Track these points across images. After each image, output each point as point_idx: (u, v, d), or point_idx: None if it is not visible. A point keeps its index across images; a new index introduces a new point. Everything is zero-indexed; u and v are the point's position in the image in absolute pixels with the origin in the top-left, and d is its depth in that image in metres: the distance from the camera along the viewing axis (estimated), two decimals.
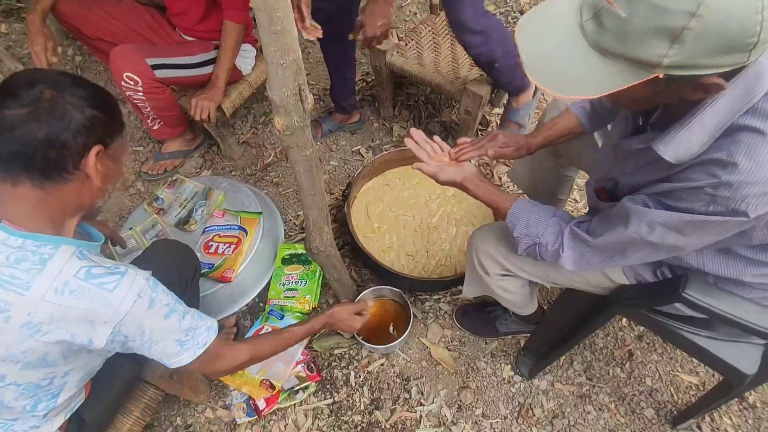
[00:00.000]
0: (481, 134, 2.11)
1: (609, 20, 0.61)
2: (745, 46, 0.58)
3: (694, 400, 1.40)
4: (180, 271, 1.19)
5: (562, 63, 0.67)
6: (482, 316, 1.53)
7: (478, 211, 1.69)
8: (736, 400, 1.43)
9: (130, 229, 1.64)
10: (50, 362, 0.81)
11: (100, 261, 0.82)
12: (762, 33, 0.57)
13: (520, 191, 1.83)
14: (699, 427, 1.38)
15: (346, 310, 1.28)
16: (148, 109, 1.72)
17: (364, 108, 2.20)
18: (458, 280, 1.53)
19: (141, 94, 1.64)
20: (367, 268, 1.70)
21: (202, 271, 1.49)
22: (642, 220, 0.79)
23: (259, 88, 2.01)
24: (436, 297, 1.65)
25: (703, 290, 0.84)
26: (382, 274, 1.61)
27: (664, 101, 0.73)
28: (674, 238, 0.79)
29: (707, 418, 1.40)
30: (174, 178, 1.80)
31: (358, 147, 2.07)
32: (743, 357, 1.03)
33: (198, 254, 1.54)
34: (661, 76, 0.62)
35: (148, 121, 1.81)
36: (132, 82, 1.60)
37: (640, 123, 0.85)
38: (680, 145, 0.71)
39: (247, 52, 1.87)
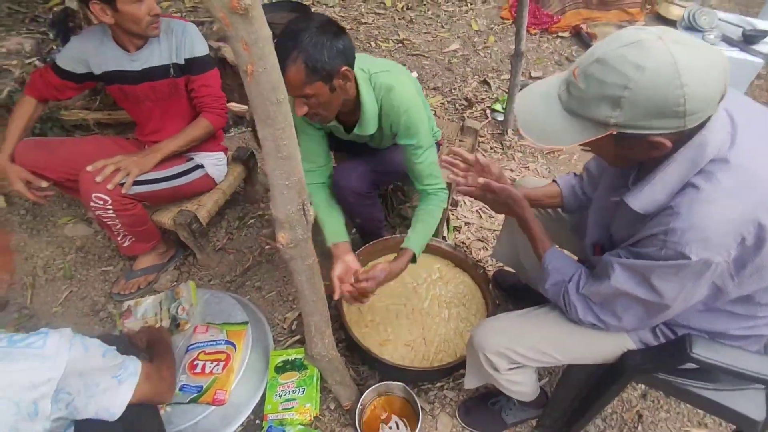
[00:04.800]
0: (453, 215, 2.23)
1: (574, 90, 0.82)
2: (677, 113, 0.74)
3: None
4: None
5: (544, 121, 0.87)
6: (486, 410, 1.50)
7: (466, 290, 1.73)
8: None
9: None
10: None
11: (17, 334, 0.86)
12: (687, 104, 0.73)
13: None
14: None
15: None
16: (119, 226, 1.68)
17: None
18: (461, 364, 1.51)
19: (111, 212, 1.61)
20: (365, 364, 1.65)
21: (191, 397, 1.39)
22: (616, 270, 0.90)
23: (232, 195, 2.04)
24: (439, 385, 1.61)
25: (708, 347, 0.90)
26: (382, 370, 1.56)
27: (635, 157, 0.88)
28: (647, 289, 0.88)
29: None
30: (124, 308, 1.70)
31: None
32: (750, 404, 1.07)
33: (183, 375, 1.45)
34: (614, 132, 0.80)
35: (118, 238, 1.76)
36: (101, 202, 1.58)
37: (629, 185, 0.96)
38: (645, 197, 0.85)
39: (220, 160, 1.92)
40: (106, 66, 1.64)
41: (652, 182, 0.84)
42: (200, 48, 1.67)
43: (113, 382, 0.95)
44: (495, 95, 3.09)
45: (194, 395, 1.39)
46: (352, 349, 1.64)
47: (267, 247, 2.06)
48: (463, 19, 3.92)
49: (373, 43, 3.57)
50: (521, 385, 1.20)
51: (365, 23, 3.82)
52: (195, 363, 1.49)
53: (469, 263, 1.77)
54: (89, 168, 1.56)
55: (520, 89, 2.82)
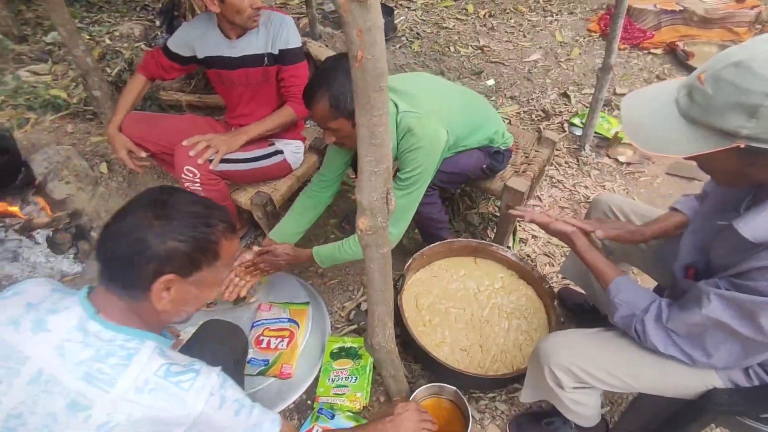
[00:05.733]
0: (520, 226, 2.17)
1: (698, 96, 0.76)
2: None
3: None
4: (231, 351, 1.18)
5: (655, 127, 0.81)
6: (540, 429, 1.43)
7: (529, 303, 1.68)
8: None
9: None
10: None
11: (177, 358, 0.84)
12: None
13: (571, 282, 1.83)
14: None
15: (413, 417, 1.21)
16: None
17: None
18: (517, 377, 1.47)
19: (198, 185, 1.72)
20: (418, 363, 1.64)
21: (259, 369, 1.46)
22: (713, 301, 0.83)
23: (305, 182, 2.12)
24: (491, 395, 1.57)
25: None
26: (436, 370, 1.55)
27: (758, 177, 0.79)
28: (748, 326, 0.80)
29: None
30: None
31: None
32: None
33: (249, 350, 1.53)
34: (742, 145, 0.73)
35: None
36: (191, 175, 1.70)
37: (742, 209, 0.89)
38: (760, 225, 0.77)
39: (298, 148, 2.00)
40: (208, 51, 1.77)
41: None
42: (294, 41, 1.76)
43: None
44: (575, 109, 2.98)
45: (262, 368, 1.47)
46: (407, 346, 1.64)
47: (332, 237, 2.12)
48: (547, 29, 3.82)
49: (452, 48, 3.57)
50: (584, 407, 1.14)
51: (446, 28, 3.83)
52: (260, 338, 1.57)
53: (535, 276, 1.71)
54: (184, 143, 1.69)
55: (604, 105, 2.70)
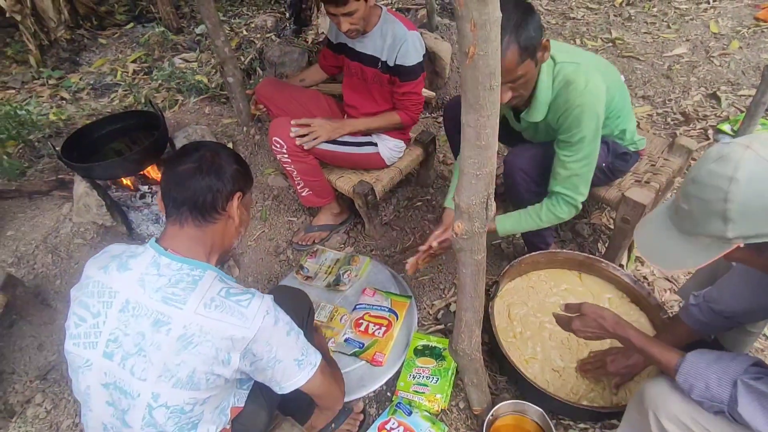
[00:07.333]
0: None
1: (681, 212, 0.84)
2: None
3: None
4: (296, 312, 1.24)
5: (665, 248, 0.87)
6: None
7: None
8: None
9: None
10: (195, 383, 0.93)
11: (235, 284, 1.01)
12: None
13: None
14: None
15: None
16: (295, 173, 1.89)
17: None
18: (615, 414, 1.32)
19: (286, 156, 1.82)
20: (503, 375, 1.56)
21: (354, 350, 1.52)
22: None
23: (407, 175, 2.13)
24: (582, 426, 1.43)
25: None
26: (522, 387, 1.46)
27: None
28: None
29: None
30: (314, 249, 1.92)
31: (498, 241, 2.02)
32: None
33: (348, 330, 1.61)
34: (741, 245, 0.76)
35: (299, 187, 1.97)
36: (278, 145, 1.80)
37: None
38: None
39: (398, 146, 2.00)
40: (341, 38, 1.89)
41: None
42: (412, 58, 1.74)
43: (293, 366, 1.02)
44: (725, 113, 2.54)
45: (356, 350, 1.54)
46: (494, 356, 1.57)
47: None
48: (699, 18, 3.30)
49: (578, 41, 3.27)
50: None
51: (573, 18, 3.52)
52: (360, 321, 1.64)
53: (651, 303, 1.51)
54: (292, 122, 1.79)
55: (767, 109, 2.25)
